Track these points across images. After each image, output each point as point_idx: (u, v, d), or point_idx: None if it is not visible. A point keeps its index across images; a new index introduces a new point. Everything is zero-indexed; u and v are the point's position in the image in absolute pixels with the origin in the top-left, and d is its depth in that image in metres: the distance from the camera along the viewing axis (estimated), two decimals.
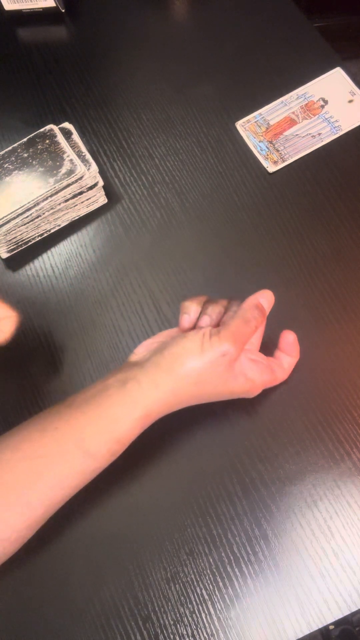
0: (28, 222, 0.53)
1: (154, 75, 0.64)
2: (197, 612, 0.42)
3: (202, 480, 0.45)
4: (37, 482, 0.37)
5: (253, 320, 0.41)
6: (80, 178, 0.52)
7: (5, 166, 0.52)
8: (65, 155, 0.52)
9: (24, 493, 0.36)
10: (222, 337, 0.39)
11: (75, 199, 0.54)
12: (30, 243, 0.56)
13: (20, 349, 0.52)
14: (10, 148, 0.53)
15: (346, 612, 0.41)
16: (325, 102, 0.59)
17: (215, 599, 0.42)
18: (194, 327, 0.43)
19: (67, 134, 0.55)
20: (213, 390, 0.40)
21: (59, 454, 0.37)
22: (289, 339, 0.45)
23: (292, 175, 0.56)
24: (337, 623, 0.84)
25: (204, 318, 0.42)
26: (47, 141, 0.53)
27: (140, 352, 0.43)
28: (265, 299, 0.42)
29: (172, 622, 0.41)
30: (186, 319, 0.42)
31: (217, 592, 0.42)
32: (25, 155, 0.53)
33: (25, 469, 0.37)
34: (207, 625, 0.41)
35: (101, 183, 0.55)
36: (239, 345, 0.39)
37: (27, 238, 0.55)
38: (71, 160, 0.52)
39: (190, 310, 0.43)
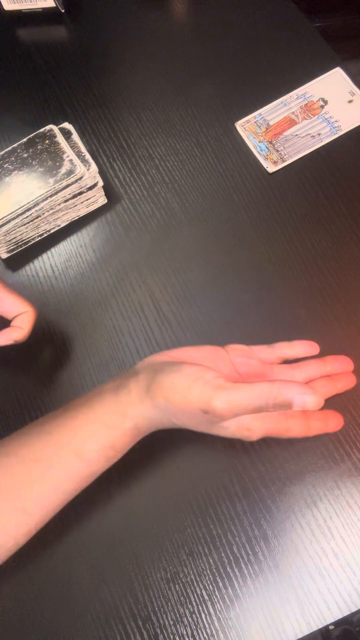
0: (28, 223, 0.53)
1: (154, 75, 0.64)
2: (197, 612, 0.42)
3: (201, 480, 0.45)
4: (32, 486, 0.36)
5: (266, 410, 0.33)
6: (80, 178, 0.52)
7: (5, 166, 0.52)
8: (65, 156, 0.52)
9: (19, 498, 0.36)
10: (215, 396, 0.33)
11: (75, 199, 0.54)
12: (30, 243, 0.56)
13: (20, 349, 0.52)
14: (10, 148, 0.53)
15: (346, 612, 0.41)
16: (325, 102, 0.59)
17: (215, 599, 0.42)
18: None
19: (66, 134, 0.55)
20: (196, 428, 0.38)
21: (53, 458, 0.37)
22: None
23: (292, 176, 0.56)
24: (337, 623, 0.84)
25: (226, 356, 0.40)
26: (47, 141, 0.53)
27: (148, 361, 0.41)
28: (307, 402, 0.32)
29: (172, 623, 0.41)
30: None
31: (217, 592, 0.42)
32: (25, 155, 0.53)
33: (21, 474, 0.37)
34: (207, 625, 0.41)
35: (101, 183, 0.55)
36: (228, 415, 0.34)
37: (27, 238, 0.55)
38: (71, 160, 0.52)
39: (277, 350, 0.43)
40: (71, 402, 0.40)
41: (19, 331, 0.43)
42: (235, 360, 0.43)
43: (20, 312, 0.44)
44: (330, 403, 0.46)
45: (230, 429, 0.38)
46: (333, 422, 0.43)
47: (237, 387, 0.34)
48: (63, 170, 0.52)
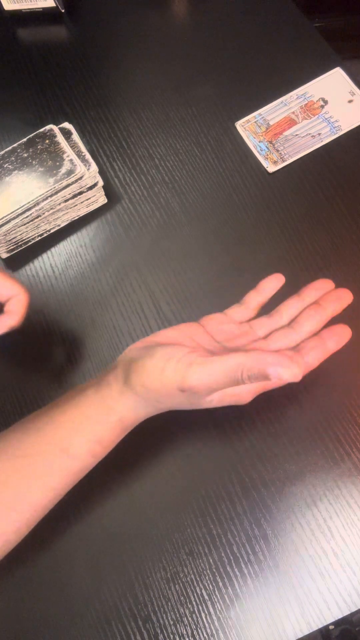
0: (28, 222, 0.53)
1: (154, 75, 0.64)
2: (197, 612, 0.42)
3: (201, 480, 0.45)
4: (21, 484, 0.36)
5: (242, 383, 0.32)
6: (80, 178, 0.52)
7: (5, 166, 0.52)
8: (65, 155, 0.52)
9: (7, 495, 0.36)
10: (187, 374, 0.33)
11: (75, 199, 0.54)
12: (30, 243, 0.56)
13: (19, 349, 0.52)
14: (10, 148, 0.53)
15: (346, 612, 0.41)
16: (325, 102, 0.59)
17: (215, 599, 0.42)
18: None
19: (66, 134, 0.55)
20: (182, 407, 0.38)
21: (39, 453, 0.37)
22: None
23: (292, 176, 0.56)
24: (337, 623, 0.84)
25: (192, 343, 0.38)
26: (47, 141, 0.53)
27: (128, 350, 0.40)
28: (279, 373, 0.31)
29: (172, 622, 0.41)
30: (241, 310, 0.41)
31: (216, 592, 0.42)
32: (25, 155, 0.53)
33: (8, 471, 0.36)
34: (207, 625, 0.41)
35: (101, 183, 0.55)
36: (204, 393, 0.34)
37: (27, 238, 0.55)
38: (71, 160, 0.52)
39: (249, 303, 0.42)
40: (59, 398, 0.39)
41: (12, 317, 0.41)
42: (212, 329, 0.42)
43: (11, 294, 0.42)
44: (330, 403, 0.46)
45: (214, 400, 0.36)
46: (328, 346, 0.38)
47: (209, 361, 0.33)
48: (63, 170, 0.52)
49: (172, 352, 0.35)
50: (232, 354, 0.32)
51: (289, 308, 0.42)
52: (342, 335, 0.39)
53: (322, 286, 0.42)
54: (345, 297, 0.41)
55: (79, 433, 0.37)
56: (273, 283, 0.44)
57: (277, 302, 0.44)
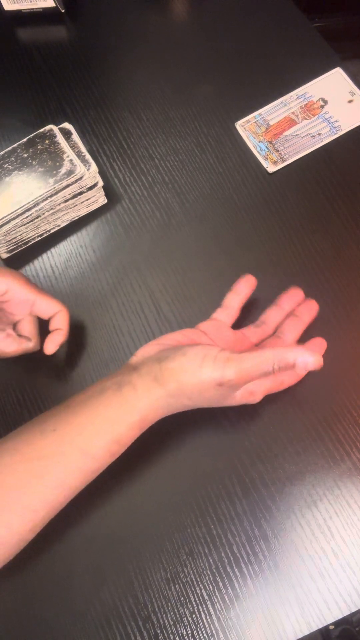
0: (28, 223, 0.53)
1: (154, 75, 0.64)
2: (197, 612, 0.42)
3: (201, 480, 0.45)
4: (37, 484, 0.37)
5: (271, 373, 0.36)
6: (80, 178, 0.52)
7: (5, 166, 0.52)
8: (65, 156, 0.52)
9: (24, 495, 0.36)
10: (225, 366, 0.37)
11: (75, 199, 0.54)
12: (30, 243, 0.56)
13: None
14: (10, 148, 0.53)
15: (346, 612, 0.41)
16: (325, 102, 0.59)
17: (215, 599, 0.42)
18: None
19: (66, 134, 0.55)
20: (208, 403, 0.40)
21: (58, 455, 0.37)
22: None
23: (292, 176, 0.56)
24: (337, 623, 0.84)
25: (209, 340, 0.42)
26: (47, 141, 0.53)
27: (140, 354, 0.42)
28: (304, 364, 0.36)
29: (172, 623, 0.41)
30: (223, 313, 0.44)
31: (217, 592, 0.42)
32: (25, 155, 0.53)
33: (25, 471, 0.37)
34: (207, 625, 0.41)
35: (101, 183, 0.55)
36: (240, 384, 0.37)
37: (27, 238, 0.55)
38: (71, 160, 0.52)
39: (231, 305, 0.44)
40: (71, 399, 0.40)
41: (60, 333, 0.46)
42: (213, 336, 0.45)
43: (54, 312, 0.46)
44: (330, 403, 0.46)
45: (237, 397, 0.40)
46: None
47: (244, 357, 0.37)
48: (63, 170, 0.52)
49: (206, 350, 0.38)
50: (264, 349, 0.37)
51: (273, 318, 0.47)
52: (309, 309, 0.46)
53: (295, 293, 0.48)
54: (314, 309, 0.47)
55: (99, 434, 0.38)
56: (247, 284, 0.47)
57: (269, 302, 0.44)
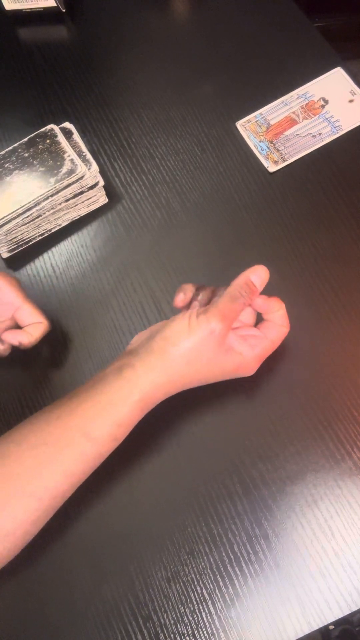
0: (29, 222, 0.53)
1: (155, 75, 0.64)
2: (197, 611, 0.42)
3: (202, 479, 0.45)
4: (42, 470, 0.37)
5: (240, 297, 0.41)
6: (81, 178, 0.52)
7: (6, 166, 0.52)
8: (65, 155, 0.52)
9: (29, 483, 0.37)
10: (209, 316, 0.39)
11: (76, 198, 0.54)
12: (30, 243, 0.56)
13: (20, 349, 0.52)
14: (10, 148, 0.53)
15: (346, 612, 0.41)
16: (326, 101, 0.59)
17: (216, 599, 0.42)
18: (188, 307, 0.43)
19: (67, 134, 0.55)
20: (205, 369, 0.41)
21: (62, 441, 0.38)
22: (258, 303, 0.44)
23: (293, 175, 0.56)
24: (337, 623, 0.84)
25: (194, 303, 0.43)
26: (48, 141, 0.53)
27: (135, 341, 0.44)
28: (256, 275, 0.42)
29: (172, 622, 0.42)
30: (180, 297, 0.43)
31: (217, 591, 0.42)
32: (26, 155, 0.53)
33: (31, 458, 0.37)
34: (207, 624, 0.41)
35: (102, 183, 0.55)
36: (226, 323, 0.40)
37: (28, 238, 0.55)
38: (72, 160, 0.52)
39: (186, 289, 0.43)
40: (76, 389, 0.40)
41: (26, 335, 0.46)
42: None
43: (34, 322, 0.47)
44: (331, 402, 0.46)
45: (230, 355, 0.41)
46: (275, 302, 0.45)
47: (216, 300, 0.41)
48: (64, 169, 0.52)
49: (188, 312, 0.41)
50: (228, 288, 0.42)
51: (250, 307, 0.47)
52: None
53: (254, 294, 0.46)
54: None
55: (100, 417, 0.38)
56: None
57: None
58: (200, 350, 0.39)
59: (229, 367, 0.41)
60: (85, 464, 0.38)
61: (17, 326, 0.48)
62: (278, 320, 0.44)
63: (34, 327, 0.47)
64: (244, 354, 0.41)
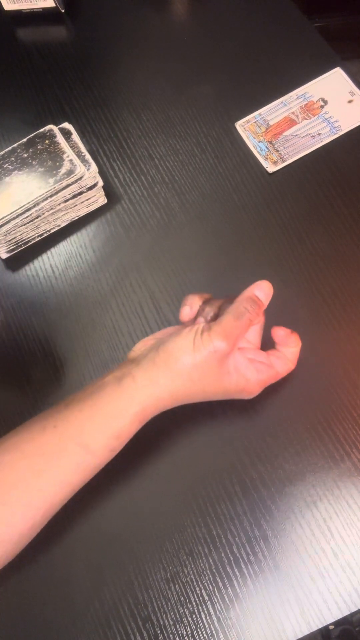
0: (28, 223, 0.53)
1: (154, 75, 0.64)
2: (196, 612, 0.42)
3: (201, 480, 0.45)
4: (38, 480, 0.37)
5: (246, 313, 0.40)
6: (80, 178, 0.52)
7: (5, 166, 0.52)
8: (65, 156, 0.52)
9: (25, 492, 0.37)
10: (212, 334, 0.39)
11: (75, 199, 0.54)
12: (30, 243, 0.56)
13: (20, 349, 0.52)
14: (10, 148, 0.53)
15: (346, 612, 0.41)
16: (325, 102, 0.59)
17: (215, 599, 0.42)
18: (195, 320, 0.43)
19: (66, 134, 0.55)
20: (207, 388, 0.40)
21: (58, 451, 0.37)
22: (279, 334, 0.44)
23: (292, 176, 0.56)
24: (337, 623, 0.84)
25: (199, 319, 0.42)
26: (47, 141, 0.53)
27: (138, 349, 0.43)
28: (261, 290, 0.41)
29: (171, 623, 0.41)
30: (186, 312, 0.43)
31: (216, 592, 0.42)
32: (25, 155, 0.53)
33: (26, 468, 0.37)
34: (206, 625, 0.41)
35: (101, 183, 0.55)
36: (230, 342, 0.39)
37: (27, 238, 0.55)
38: (71, 160, 0.52)
39: (192, 303, 0.43)
40: (71, 397, 0.40)
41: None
42: None
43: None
44: (330, 403, 0.46)
45: (233, 377, 0.40)
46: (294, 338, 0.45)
47: (221, 318, 0.40)
48: (63, 170, 0.52)
49: (194, 328, 0.40)
50: (232, 305, 0.41)
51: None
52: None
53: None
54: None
55: (99, 430, 0.38)
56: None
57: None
58: (203, 368, 0.39)
59: (232, 387, 0.41)
60: (82, 474, 0.38)
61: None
62: (290, 356, 0.44)
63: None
64: (249, 377, 0.41)
